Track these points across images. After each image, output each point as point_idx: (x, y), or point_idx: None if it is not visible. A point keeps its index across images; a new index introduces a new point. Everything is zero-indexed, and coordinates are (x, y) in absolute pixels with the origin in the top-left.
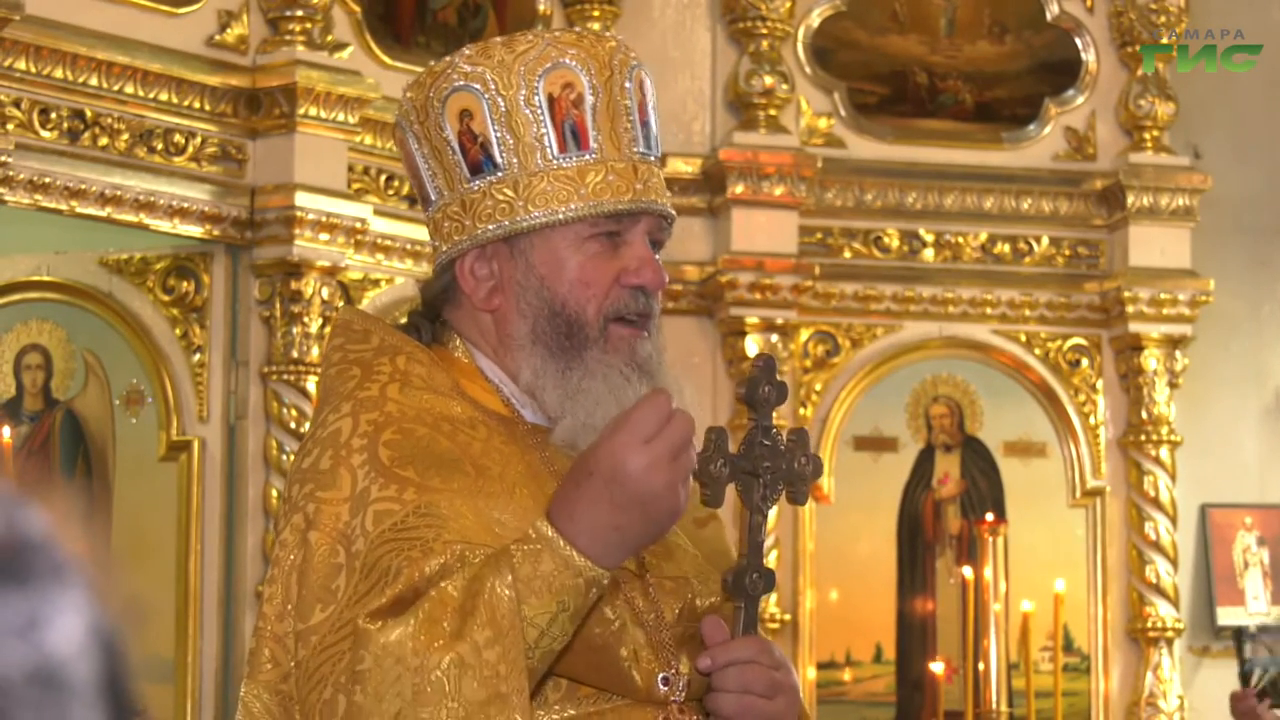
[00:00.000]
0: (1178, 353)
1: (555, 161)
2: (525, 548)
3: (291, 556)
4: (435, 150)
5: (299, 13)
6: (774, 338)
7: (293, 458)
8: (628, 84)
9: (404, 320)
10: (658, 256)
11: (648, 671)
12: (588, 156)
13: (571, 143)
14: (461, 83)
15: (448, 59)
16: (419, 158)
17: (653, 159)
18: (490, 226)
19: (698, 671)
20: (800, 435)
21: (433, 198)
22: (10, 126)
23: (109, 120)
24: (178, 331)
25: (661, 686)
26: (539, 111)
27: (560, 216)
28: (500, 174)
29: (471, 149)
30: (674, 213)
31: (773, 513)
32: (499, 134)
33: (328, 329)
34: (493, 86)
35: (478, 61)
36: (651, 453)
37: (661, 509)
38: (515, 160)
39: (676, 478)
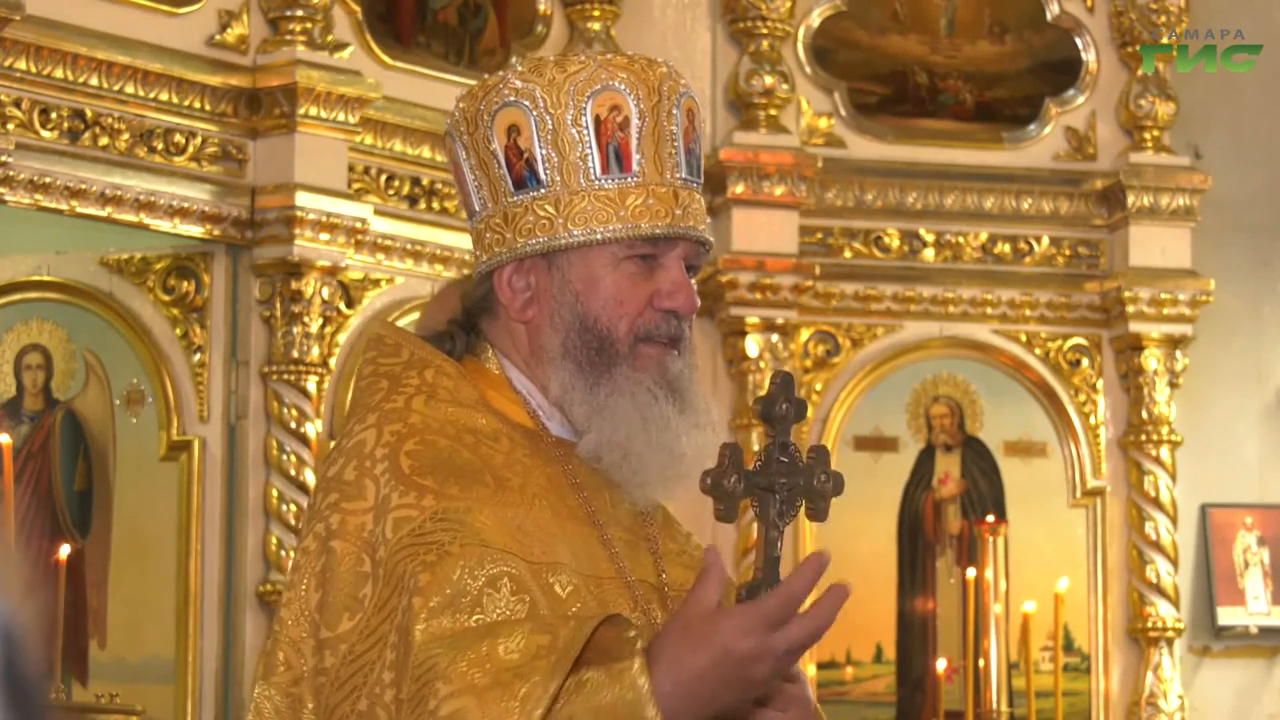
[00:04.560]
0: (1178, 352)
1: (597, 182)
2: (612, 673)
3: (313, 564)
4: (482, 162)
5: (299, 13)
6: (774, 338)
7: (293, 458)
8: (675, 110)
9: (441, 328)
10: (693, 281)
11: None
12: (629, 179)
13: (614, 164)
14: (512, 98)
15: (501, 73)
16: (466, 168)
17: (695, 185)
18: (530, 241)
19: None
20: (821, 452)
21: (476, 208)
22: (10, 126)
23: (109, 120)
24: (178, 331)
25: None
26: (585, 132)
27: (599, 236)
28: (543, 190)
29: (517, 164)
30: (711, 239)
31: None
32: (544, 151)
33: (328, 329)
34: (542, 104)
35: (529, 78)
36: (768, 643)
37: (747, 686)
38: (558, 178)
39: (776, 671)
